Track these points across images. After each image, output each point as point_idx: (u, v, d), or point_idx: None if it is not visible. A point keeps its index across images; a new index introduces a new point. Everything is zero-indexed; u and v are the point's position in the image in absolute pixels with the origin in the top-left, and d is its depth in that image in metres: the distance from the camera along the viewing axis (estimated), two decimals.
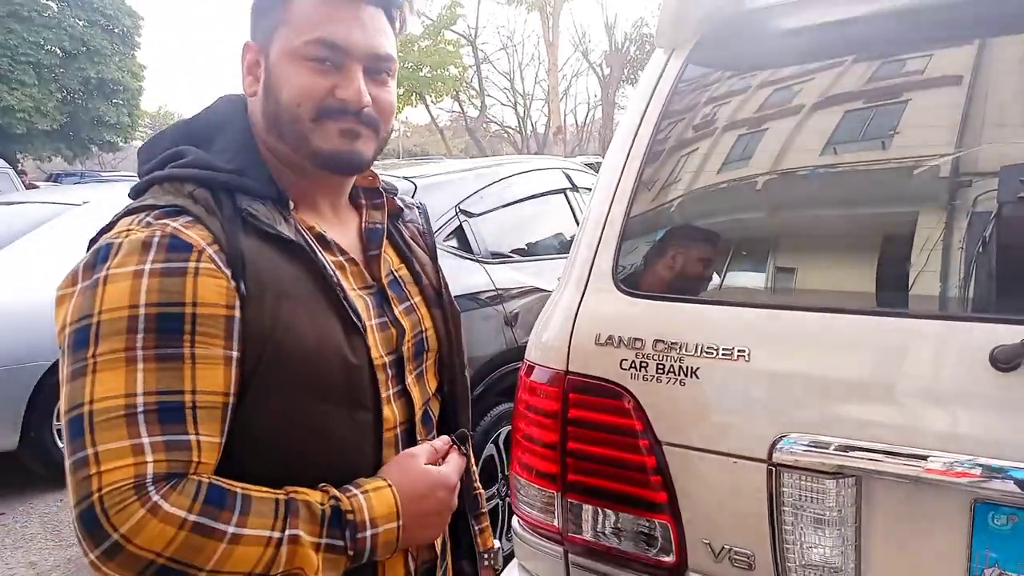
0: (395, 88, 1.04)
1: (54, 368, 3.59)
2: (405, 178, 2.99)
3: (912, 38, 1.31)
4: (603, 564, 1.36)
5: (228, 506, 0.82)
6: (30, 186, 13.34)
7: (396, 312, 1.05)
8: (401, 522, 0.93)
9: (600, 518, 1.36)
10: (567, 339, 1.37)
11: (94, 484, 0.78)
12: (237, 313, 0.87)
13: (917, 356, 1.10)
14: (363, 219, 1.10)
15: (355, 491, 0.91)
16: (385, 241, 1.10)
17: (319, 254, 0.95)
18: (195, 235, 0.86)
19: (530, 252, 3.41)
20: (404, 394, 1.04)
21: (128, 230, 0.86)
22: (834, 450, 1.12)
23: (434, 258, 1.20)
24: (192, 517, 0.80)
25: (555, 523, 1.41)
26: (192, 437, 0.83)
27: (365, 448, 0.98)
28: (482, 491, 1.31)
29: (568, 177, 3.76)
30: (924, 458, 1.06)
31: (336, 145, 0.96)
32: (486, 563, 1.23)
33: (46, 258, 3.76)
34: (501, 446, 2.89)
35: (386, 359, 1.01)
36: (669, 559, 1.29)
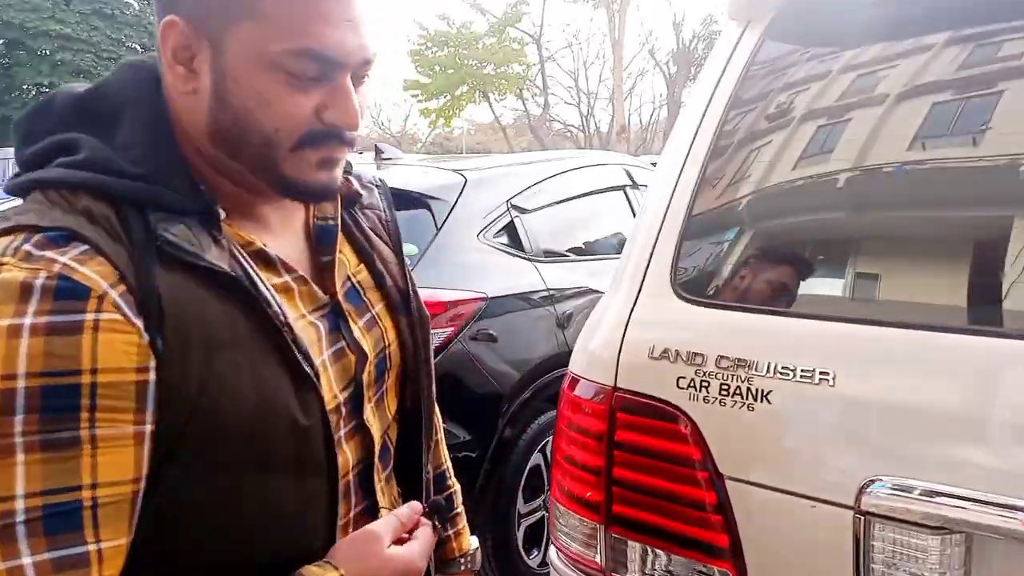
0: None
1: None
2: (454, 171, 2.85)
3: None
4: None
5: None
6: None
7: (356, 332, 0.85)
8: None
9: (649, 558, 1.17)
10: (616, 350, 1.20)
11: None
12: (152, 376, 0.65)
13: None
14: (311, 214, 0.87)
15: None
16: (341, 237, 0.88)
17: (260, 285, 0.73)
18: (93, 274, 0.63)
19: (586, 251, 3.23)
20: (360, 429, 0.84)
21: (3, 263, 0.63)
22: (940, 499, 0.92)
23: (398, 251, 0.96)
24: None
25: (597, 559, 1.23)
26: (91, 547, 0.63)
27: (315, 515, 0.78)
28: (457, 488, 1.12)
29: (628, 174, 3.56)
30: None
31: (310, 176, 0.75)
32: (463, 567, 1.09)
33: None
34: (548, 455, 2.73)
35: (340, 397, 0.81)
36: None
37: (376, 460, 0.87)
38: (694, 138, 1.24)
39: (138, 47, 29.17)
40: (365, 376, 0.84)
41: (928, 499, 0.93)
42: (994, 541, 0.91)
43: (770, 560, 1.06)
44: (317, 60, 0.71)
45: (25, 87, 27.40)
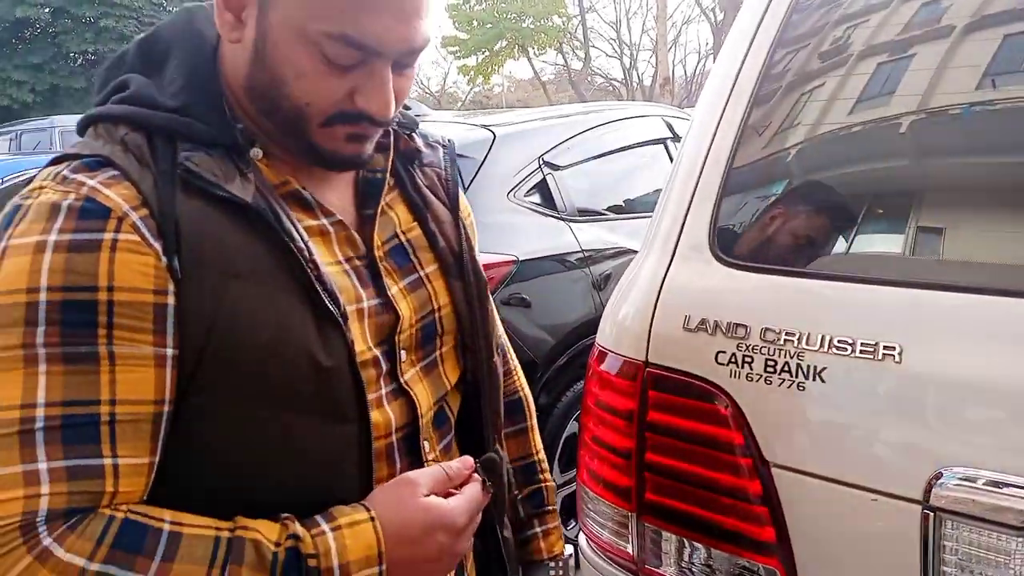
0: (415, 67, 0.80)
1: None
2: (483, 126, 2.72)
3: None
4: None
5: (147, 550, 0.64)
6: None
7: (393, 290, 0.82)
8: (384, 568, 0.70)
9: (686, 551, 1.06)
10: (648, 321, 1.07)
11: None
12: (170, 300, 0.67)
13: None
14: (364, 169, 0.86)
15: (324, 526, 0.70)
16: (394, 193, 0.87)
17: (285, 220, 0.72)
18: (116, 196, 0.66)
19: (625, 209, 3.08)
20: (402, 392, 0.82)
21: (41, 187, 0.67)
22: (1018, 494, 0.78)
23: (455, 212, 0.92)
24: (94, 567, 0.62)
25: (629, 550, 1.13)
26: (106, 461, 0.64)
27: (347, 468, 0.76)
28: (550, 483, 1.08)
29: (669, 126, 3.37)
30: None
31: (338, 147, 0.75)
32: (552, 572, 1.03)
33: None
34: None
35: (377, 351, 0.79)
36: None
37: (429, 428, 0.85)
38: (735, 80, 1.09)
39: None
40: (402, 338, 0.82)
41: (1011, 494, 0.79)
42: None
43: (823, 558, 0.94)
44: (354, 46, 0.70)
45: (72, 54, 27.85)
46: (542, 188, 2.69)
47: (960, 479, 0.82)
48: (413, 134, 0.90)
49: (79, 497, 0.63)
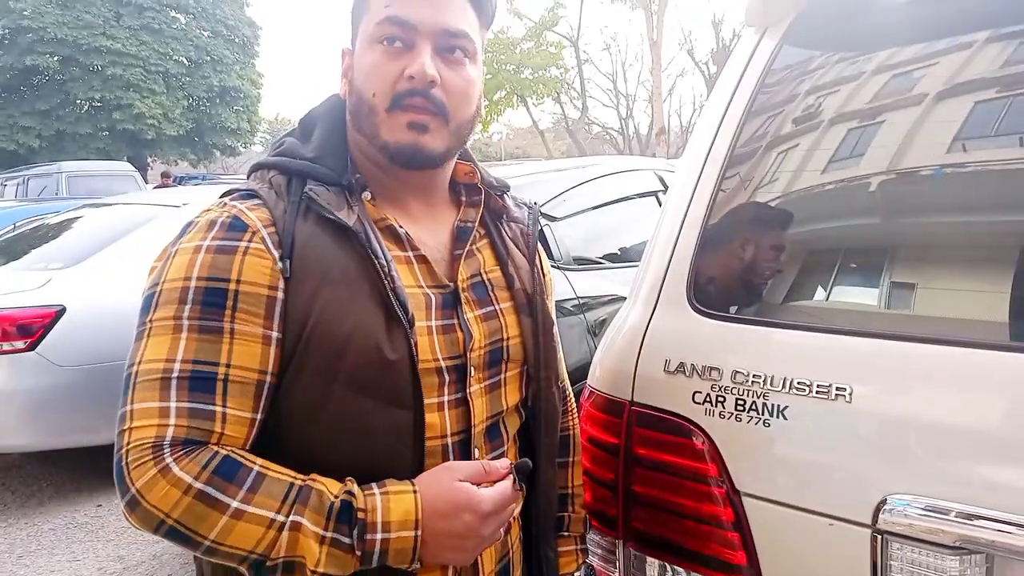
0: (474, 72, 0.99)
1: None
2: None
3: None
4: None
5: (238, 480, 0.82)
6: (163, 184, 14.22)
7: (468, 316, 1.00)
8: (419, 533, 0.85)
9: (668, 575, 1.16)
10: (633, 364, 1.19)
11: (124, 439, 0.82)
12: (280, 294, 0.88)
13: None
14: (457, 217, 1.06)
15: (376, 490, 0.87)
16: (483, 241, 1.08)
17: (375, 242, 0.91)
18: (254, 217, 0.89)
19: (618, 258, 3.21)
20: (463, 403, 0.97)
21: (208, 210, 0.92)
22: (958, 517, 0.90)
23: (532, 262, 1.12)
24: (198, 484, 0.80)
25: (616, 575, 1.23)
26: (218, 408, 0.84)
27: (403, 451, 0.91)
28: (578, 514, 1.23)
29: (660, 179, 3.53)
30: None
31: (402, 138, 0.94)
32: None
33: (144, 259, 3.86)
34: None
35: (444, 363, 0.96)
36: None
37: (481, 437, 1.00)
38: (710, 147, 1.23)
39: (184, 60, 29.89)
40: (473, 356, 0.98)
41: (946, 517, 0.90)
42: (1017, 562, 0.88)
43: None
44: (397, 23, 0.92)
45: (79, 101, 28.29)
46: (540, 237, 2.82)
47: (902, 505, 0.93)
48: (504, 195, 1.12)
49: (195, 432, 0.83)
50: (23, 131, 27.44)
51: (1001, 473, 0.90)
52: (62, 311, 3.54)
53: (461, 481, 0.89)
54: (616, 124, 27.12)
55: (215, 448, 0.84)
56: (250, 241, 0.87)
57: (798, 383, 1.02)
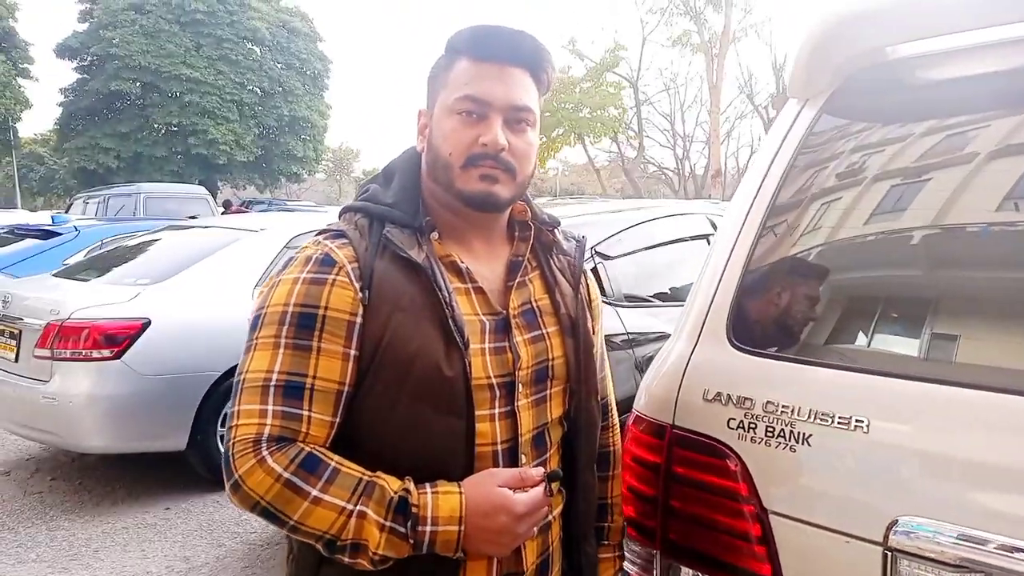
0: (534, 137, 1.16)
1: (223, 378, 3.92)
2: None
3: None
4: None
5: (318, 473, 0.99)
6: (238, 210, 14.77)
7: (517, 339, 1.15)
8: (463, 528, 1.01)
9: None
10: (675, 392, 1.33)
11: (232, 434, 1.00)
12: (359, 319, 1.05)
13: None
14: (511, 252, 1.22)
15: (428, 489, 1.02)
16: (535, 272, 1.23)
17: (439, 277, 1.08)
18: (342, 255, 1.07)
19: (668, 297, 3.34)
20: (511, 415, 1.12)
21: (307, 246, 1.11)
22: (959, 539, 1.01)
23: (576, 289, 1.27)
24: (286, 474, 0.98)
25: None
26: (305, 412, 1.02)
27: (456, 454, 1.06)
28: (616, 524, 1.38)
29: (712, 223, 3.66)
30: None
31: (476, 187, 1.11)
32: None
33: (224, 279, 4.15)
34: None
35: (495, 380, 1.11)
36: None
37: (528, 445, 1.14)
38: (752, 203, 1.38)
39: (257, 90, 31.15)
40: (521, 373, 1.14)
41: (949, 538, 1.02)
42: None
43: None
44: (473, 100, 1.10)
45: (157, 125, 29.73)
46: (593, 275, 2.98)
47: (910, 526, 1.05)
48: (555, 230, 1.28)
49: (286, 431, 1.00)
50: (103, 152, 28.89)
51: (1000, 501, 1.01)
52: (147, 323, 3.83)
53: (500, 486, 1.04)
54: (672, 164, 27.23)
55: (301, 445, 1.01)
56: (337, 275, 1.05)
57: (821, 414, 1.15)
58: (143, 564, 3.34)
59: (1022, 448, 1.00)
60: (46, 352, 3.75)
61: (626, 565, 1.42)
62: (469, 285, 1.14)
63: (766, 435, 1.21)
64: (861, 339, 1.22)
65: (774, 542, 1.19)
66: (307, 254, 1.08)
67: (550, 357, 1.19)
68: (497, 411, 1.11)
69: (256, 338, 1.04)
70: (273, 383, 1.01)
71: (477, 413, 1.08)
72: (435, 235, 1.14)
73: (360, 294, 1.04)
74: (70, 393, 3.71)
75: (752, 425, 1.22)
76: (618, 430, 1.42)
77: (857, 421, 1.12)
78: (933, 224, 1.23)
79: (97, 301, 3.96)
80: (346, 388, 1.05)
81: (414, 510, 1.00)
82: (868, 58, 1.34)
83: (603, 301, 3.01)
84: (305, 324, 1.03)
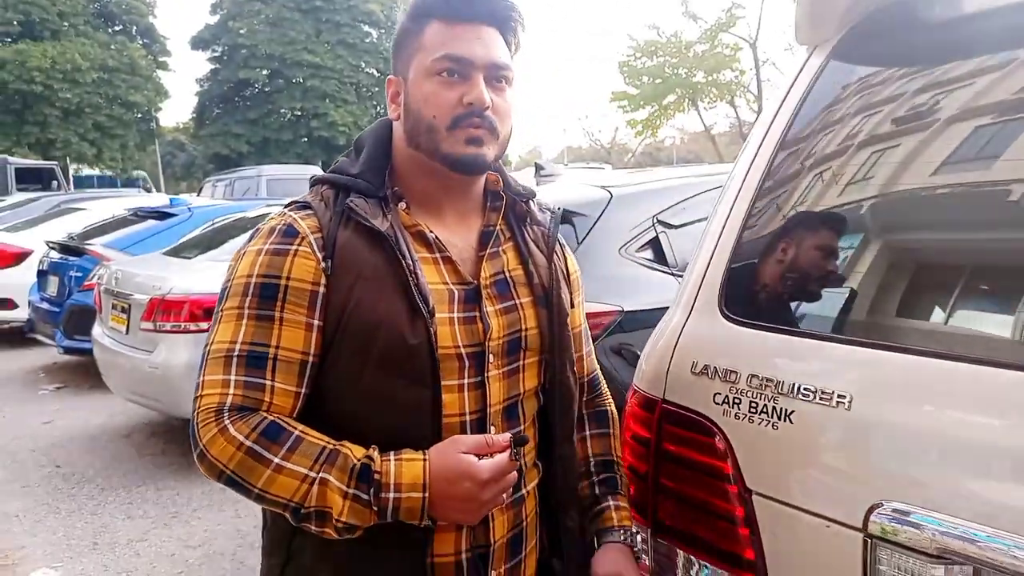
0: (512, 96, 1.14)
1: None
2: (603, 187, 2.96)
3: None
4: None
5: (280, 441, 0.99)
6: None
7: (489, 310, 1.13)
8: (427, 495, 1.00)
9: (688, 566, 1.23)
10: (666, 364, 1.27)
11: (196, 404, 1.02)
12: (322, 289, 1.05)
13: None
14: (483, 223, 1.20)
15: (391, 457, 1.01)
16: (508, 243, 1.21)
17: (403, 245, 1.07)
18: (305, 225, 1.07)
19: None
20: (481, 386, 1.11)
21: (272, 218, 1.11)
22: (941, 528, 0.91)
23: (550, 259, 1.23)
24: (248, 443, 0.99)
25: (646, 562, 1.31)
26: (268, 382, 1.03)
27: (422, 424, 1.06)
28: (619, 474, 1.32)
29: None
30: None
31: (463, 151, 1.09)
32: (620, 538, 1.26)
33: None
34: None
35: (463, 349, 1.09)
36: None
37: (498, 416, 1.13)
38: (751, 165, 1.28)
39: (374, 71, 32.06)
40: (491, 344, 1.12)
41: (930, 527, 0.92)
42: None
43: (790, 574, 1.09)
44: (453, 60, 1.07)
45: (282, 111, 31.25)
46: (655, 245, 2.87)
47: (891, 512, 0.96)
48: (530, 201, 1.24)
49: (248, 400, 1.01)
50: (235, 138, 30.70)
51: (990, 488, 0.90)
52: None
53: (465, 453, 1.02)
54: None
55: (264, 414, 1.01)
56: (299, 245, 1.05)
57: (804, 389, 1.06)
58: (234, 523, 3.57)
59: (1012, 427, 0.88)
60: (150, 325, 4.05)
61: (639, 552, 1.38)
62: (437, 255, 1.12)
63: (750, 411, 1.13)
64: (847, 308, 1.11)
65: (757, 524, 1.12)
66: (271, 225, 1.09)
67: (523, 328, 1.17)
68: (466, 381, 1.10)
69: (221, 310, 1.05)
70: (236, 353, 1.02)
71: (444, 383, 1.07)
72: (403, 205, 1.12)
73: (323, 264, 1.04)
74: (171, 363, 3.99)
75: (736, 400, 1.15)
76: (609, 394, 1.39)
77: (839, 396, 1.03)
78: (932, 182, 1.10)
79: (196, 277, 4.23)
80: (310, 358, 1.05)
81: (377, 477, 0.99)
82: None
83: (665, 272, 2.93)
84: (268, 295, 1.03)
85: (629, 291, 2.68)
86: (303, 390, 1.05)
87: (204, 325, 4.00)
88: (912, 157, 1.13)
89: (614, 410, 1.38)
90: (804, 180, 1.22)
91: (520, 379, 1.17)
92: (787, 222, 1.21)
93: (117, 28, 30.57)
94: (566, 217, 2.80)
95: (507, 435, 1.07)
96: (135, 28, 30.94)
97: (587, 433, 1.33)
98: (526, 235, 1.23)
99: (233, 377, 1.02)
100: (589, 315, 2.67)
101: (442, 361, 1.06)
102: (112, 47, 28.51)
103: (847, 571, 1.01)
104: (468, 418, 1.10)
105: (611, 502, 1.27)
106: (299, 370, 1.05)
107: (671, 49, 21.38)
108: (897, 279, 1.08)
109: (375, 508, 0.99)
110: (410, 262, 1.06)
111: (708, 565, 1.20)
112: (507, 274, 1.18)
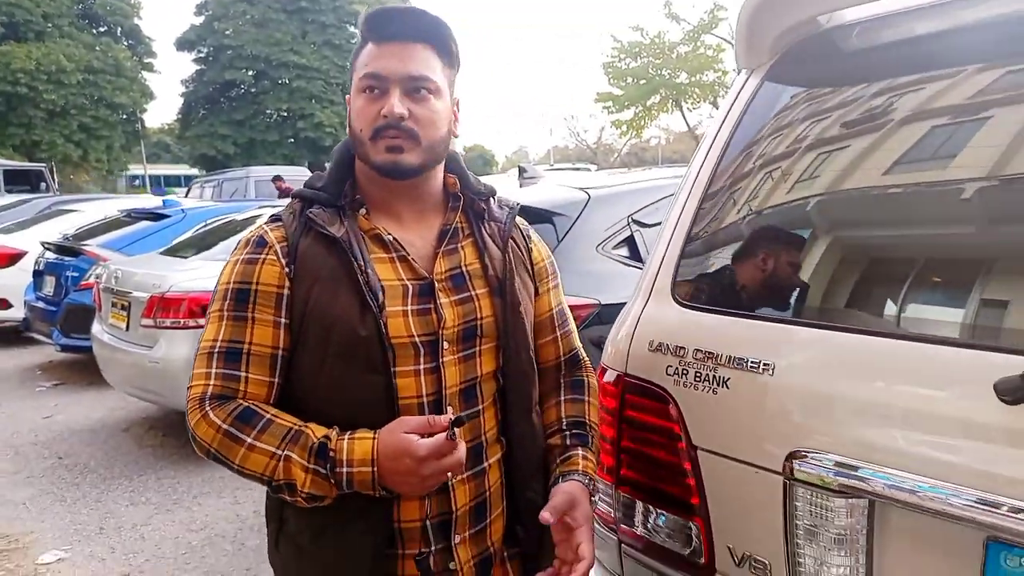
0: (439, 104, 1.22)
1: None
2: (581, 188, 3.16)
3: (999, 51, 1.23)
4: (647, 557, 1.45)
5: (252, 424, 1.13)
6: (287, 188, 15.01)
7: (443, 301, 1.23)
8: (376, 469, 1.11)
9: (646, 514, 1.45)
10: (628, 344, 1.48)
11: (187, 395, 1.18)
12: (286, 291, 1.19)
13: (933, 383, 1.07)
14: (443, 222, 1.30)
15: (346, 436, 1.13)
16: (468, 239, 1.31)
17: (355, 248, 1.19)
18: (273, 236, 1.21)
19: None
20: (436, 370, 1.21)
21: (251, 231, 1.26)
22: (841, 468, 1.12)
23: (504, 251, 1.32)
24: (224, 426, 1.13)
25: (612, 513, 1.52)
26: (242, 374, 1.18)
27: (379, 407, 1.17)
28: (592, 433, 1.38)
29: None
30: (935, 488, 1.04)
31: (382, 157, 1.19)
32: (581, 481, 1.29)
33: None
34: None
35: (418, 338, 1.20)
36: (700, 560, 1.35)
37: (455, 399, 1.22)
38: (698, 172, 1.50)
39: None
40: (445, 332, 1.22)
41: (833, 468, 1.13)
42: (892, 507, 1.09)
43: (727, 515, 1.30)
44: (372, 77, 1.19)
45: (268, 112, 31.26)
46: (630, 243, 3.08)
47: (804, 458, 1.17)
48: (489, 199, 1.35)
49: (227, 390, 1.16)
50: (221, 139, 30.61)
51: (882, 436, 1.11)
52: None
53: (409, 431, 1.12)
54: None
55: (240, 401, 1.15)
56: (267, 254, 1.19)
57: (738, 359, 1.28)
58: (234, 508, 3.75)
59: (898, 388, 1.10)
60: (150, 322, 4.22)
61: (598, 503, 1.59)
62: (393, 254, 1.23)
63: (695, 379, 1.34)
64: (767, 291, 1.33)
65: (701, 474, 1.33)
66: (247, 237, 1.24)
67: (478, 316, 1.26)
68: (422, 367, 1.20)
69: (209, 312, 1.21)
70: (216, 350, 1.17)
71: (399, 369, 1.18)
72: (363, 211, 1.24)
73: (287, 269, 1.18)
74: (171, 357, 4.17)
75: (684, 371, 1.36)
76: (590, 367, 1.48)
77: (765, 365, 1.24)
78: (848, 188, 1.32)
79: (193, 275, 4.40)
80: (280, 352, 1.18)
81: (332, 454, 1.10)
82: (805, 28, 1.42)
83: (639, 268, 3.14)
84: (241, 298, 1.18)
85: (606, 286, 2.88)
86: (276, 379, 1.19)
87: (202, 321, 4.17)
88: (832, 165, 1.35)
89: (593, 381, 1.46)
90: (741, 185, 1.43)
91: (477, 363, 1.26)
92: (726, 223, 1.43)
93: (102, 29, 30.47)
94: (547, 216, 3.01)
95: (447, 416, 1.14)
96: (120, 29, 30.86)
97: (561, 399, 1.41)
98: (483, 231, 1.32)
99: (214, 370, 1.16)
100: (570, 307, 2.91)
101: (397, 349, 1.17)
102: (97, 48, 28.44)
103: (771, 507, 1.22)
104: (425, 400, 1.20)
105: (580, 451, 1.34)
106: (270, 363, 1.18)
107: (654, 50, 21.63)
108: (811, 268, 1.30)
109: (332, 481, 1.11)
110: (361, 262, 1.17)
111: (663, 512, 1.41)
112: (464, 268, 1.28)
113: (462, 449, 1.13)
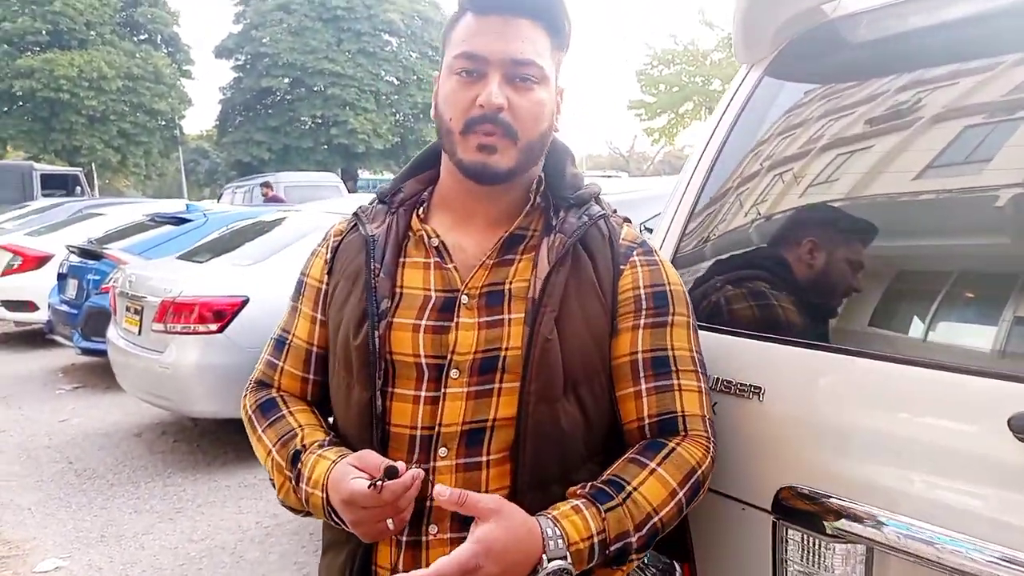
0: (544, 94, 1.03)
1: None
2: None
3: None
4: None
5: (267, 416, 1.13)
6: (274, 196, 14.47)
7: (461, 321, 1.02)
8: (325, 496, 0.98)
9: None
10: None
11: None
12: (324, 287, 1.15)
13: (944, 415, 0.94)
14: (515, 226, 1.08)
15: (317, 451, 1.04)
16: (532, 252, 1.06)
17: (380, 250, 1.07)
18: (334, 230, 1.19)
19: None
20: (437, 401, 1.00)
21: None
22: (839, 510, 0.99)
23: (554, 270, 1.03)
24: (249, 412, 1.16)
25: None
26: (280, 363, 1.17)
27: (368, 428, 1.02)
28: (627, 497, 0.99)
29: None
30: (942, 537, 0.90)
31: (473, 157, 1.01)
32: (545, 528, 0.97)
33: None
34: None
35: (425, 359, 1.01)
36: None
37: (454, 439, 0.99)
38: (690, 178, 1.37)
39: (394, 79, 32.29)
40: (456, 357, 1.00)
41: (830, 509, 1.00)
42: (892, 556, 0.96)
43: (713, 554, 1.17)
44: (469, 58, 1.01)
45: (303, 119, 31.58)
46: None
47: (796, 495, 1.04)
48: (571, 208, 1.08)
49: (266, 376, 1.18)
50: (256, 145, 31.04)
51: (887, 475, 0.98)
52: (246, 301, 4.18)
53: (363, 467, 0.96)
54: None
55: (271, 391, 1.16)
56: (322, 247, 1.18)
57: (726, 382, 1.15)
58: (237, 519, 3.69)
59: (917, 422, 0.96)
60: (161, 327, 4.18)
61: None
62: (431, 260, 1.06)
63: None
64: (761, 308, 1.20)
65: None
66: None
67: (504, 346, 1.00)
68: (423, 394, 1.01)
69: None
70: (275, 336, 1.20)
71: (397, 391, 1.01)
72: (421, 210, 1.11)
73: (328, 264, 1.14)
74: (181, 363, 4.12)
75: None
76: (695, 447, 1.03)
77: (754, 389, 1.11)
78: (849, 196, 1.18)
79: (206, 280, 4.36)
80: (314, 348, 1.14)
81: (299, 466, 1.03)
82: (809, 18, 1.30)
83: None
84: (298, 289, 1.19)
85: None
86: (311, 376, 1.15)
87: (213, 327, 4.13)
88: (832, 167, 1.21)
89: (689, 455, 1.02)
90: (731, 198, 1.31)
91: (492, 403, 1.00)
92: (716, 237, 1.31)
93: (142, 37, 31.10)
94: None
95: (384, 465, 0.92)
96: (159, 37, 31.47)
97: (618, 460, 1.04)
98: (547, 244, 1.05)
99: (265, 356, 1.20)
100: None
101: (399, 368, 1.01)
102: (137, 56, 29.02)
103: (760, 550, 1.09)
104: (419, 433, 1.00)
105: (578, 504, 0.97)
106: (304, 357, 1.15)
107: (687, 57, 21.39)
108: (809, 284, 1.16)
109: (299, 496, 1.03)
110: (377, 265, 1.04)
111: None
112: (508, 285, 1.04)
113: (406, 506, 0.94)
